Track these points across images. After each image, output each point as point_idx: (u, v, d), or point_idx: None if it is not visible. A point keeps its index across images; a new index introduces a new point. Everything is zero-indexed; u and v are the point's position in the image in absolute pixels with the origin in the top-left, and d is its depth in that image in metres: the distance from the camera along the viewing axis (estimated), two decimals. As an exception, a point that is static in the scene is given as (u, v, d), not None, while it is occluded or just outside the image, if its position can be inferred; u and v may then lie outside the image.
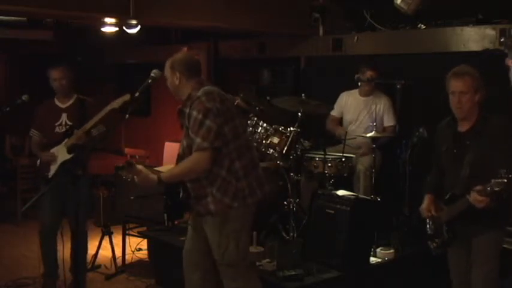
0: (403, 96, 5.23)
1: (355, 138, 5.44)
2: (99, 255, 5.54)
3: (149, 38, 7.80)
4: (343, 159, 5.16)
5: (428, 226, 3.67)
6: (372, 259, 4.62)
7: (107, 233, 5.45)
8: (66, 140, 4.61)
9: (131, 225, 5.71)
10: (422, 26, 5.61)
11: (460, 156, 3.46)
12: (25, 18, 7.06)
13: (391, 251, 4.70)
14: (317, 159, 5.18)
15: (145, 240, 5.63)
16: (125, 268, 5.49)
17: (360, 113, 5.58)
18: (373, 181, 5.07)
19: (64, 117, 4.75)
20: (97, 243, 5.53)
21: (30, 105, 4.74)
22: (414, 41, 5.64)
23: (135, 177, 3.41)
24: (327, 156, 5.10)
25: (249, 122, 4.99)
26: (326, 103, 5.48)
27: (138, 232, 5.61)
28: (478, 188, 3.20)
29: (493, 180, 3.09)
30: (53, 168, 4.64)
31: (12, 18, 6.89)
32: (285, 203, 4.96)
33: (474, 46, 5.16)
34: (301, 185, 5.35)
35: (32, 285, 4.99)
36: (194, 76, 3.52)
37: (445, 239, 3.56)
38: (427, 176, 5.13)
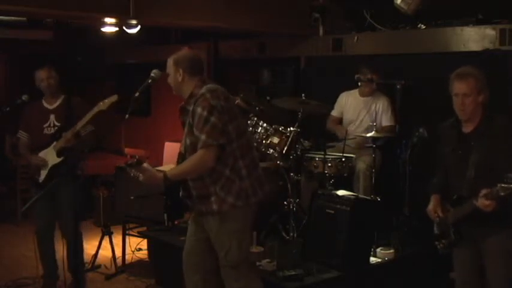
0: (403, 96, 5.22)
1: (355, 138, 5.44)
2: (99, 255, 5.54)
3: (149, 38, 7.80)
4: (343, 159, 5.16)
5: (435, 227, 3.66)
6: (372, 259, 4.61)
7: (107, 233, 5.45)
8: (54, 143, 4.60)
9: (131, 225, 5.71)
10: (422, 26, 5.61)
11: (465, 157, 3.45)
12: (25, 18, 7.07)
13: (391, 251, 4.70)
14: (317, 159, 5.18)
15: (145, 240, 5.62)
16: (125, 268, 5.49)
17: (359, 113, 5.58)
18: (373, 181, 5.07)
19: (52, 118, 4.71)
20: (97, 243, 5.53)
21: (30, 105, 4.76)
22: (414, 41, 5.63)
23: (140, 175, 3.39)
24: (327, 156, 5.10)
25: (249, 122, 4.99)
26: (326, 103, 5.48)
27: (138, 232, 5.60)
28: (484, 192, 3.19)
29: (499, 185, 3.09)
30: (43, 173, 4.62)
31: (12, 18, 6.89)
32: (285, 203, 4.96)
33: (474, 46, 5.16)
34: (301, 185, 5.35)
35: (32, 285, 4.98)
36: (197, 74, 3.51)
37: (451, 239, 3.54)
38: (428, 176, 5.12)
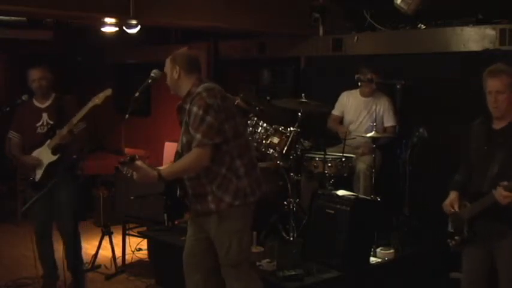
0: (403, 96, 5.23)
1: (355, 138, 5.44)
2: (99, 255, 5.54)
3: (149, 38, 7.80)
4: (343, 159, 5.16)
5: (449, 223, 3.64)
6: (372, 259, 4.61)
7: (107, 233, 5.44)
8: (48, 141, 4.58)
9: (131, 225, 5.71)
10: (422, 26, 5.61)
11: (491, 154, 3.42)
12: (25, 18, 7.07)
13: (391, 251, 4.70)
14: (317, 159, 5.18)
15: (145, 240, 5.62)
16: (125, 268, 5.48)
17: (360, 113, 5.58)
18: (373, 181, 5.07)
19: (45, 116, 4.68)
20: (97, 243, 5.53)
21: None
22: (414, 41, 5.63)
23: (134, 173, 3.36)
24: (327, 156, 5.10)
25: (249, 122, 4.99)
26: (326, 103, 5.47)
27: (138, 232, 5.60)
28: (505, 183, 3.17)
29: None
30: (39, 172, 4.60)
31: (12, 18, 6.89)
32: (285, 203, 4.96)
33: (474, 46, 5.16)
34: (301, 185, 5.35)
35: (32, 285, 4.98)
36: (194, 72, 3.50)
37: (465, 237, 3.50)
38: (428, 176, 5.15)
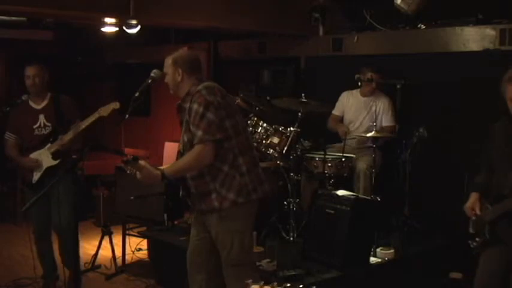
0: (403, 96, 5.23)
1: (355, 138, 5.44)
2: (99, 255, 5.53)
3: (149, 38, 7.80)
4: (343, 159, 5.16)
5: (470, 225, 3.62)
6: (372, 259, 4.61)
7: (107, 233, 5.44)
8: (49, 145, 4.56)
9: (131, 225, 5.71)
10: (422, 26, 5.61)
11: (511, 155, 3.41)
12: (25, 18, 7.06)
13: (391, 251, 4.69)
14: (317, 159, 5.18)
15: (145, 240, 5.62)
16: (125, 268, 5.48)
17: (360, 113, 5.58)
18: (373, 181, 5.07)
19: (41, 118, 4.61)
20: (97, 243, 5.52)
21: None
22: (414, 41, 5.63)
23: (137, 173, 3.36)
24: (327, 156, 5.10)
25: (249, 122, 4.99)
26: (326, 103, 5.48)
27: (138, 232, 5.60)
28: None
29: None
30: (37, 174, 4.58)
31: (12, 18, 6.89)
32: (285, 203, 4.96)
33: (474, 46, 5.16)
34: (301, 185, 5.35)
35: (32, 285, 4.98)
36: (196, 72, 3.52)
37: (486, 239, 3.48)
38: (428, 176, 5.14)
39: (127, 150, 7.40)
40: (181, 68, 3.49)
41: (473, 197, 3.58)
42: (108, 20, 5.62)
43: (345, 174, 5.20)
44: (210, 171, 3.39)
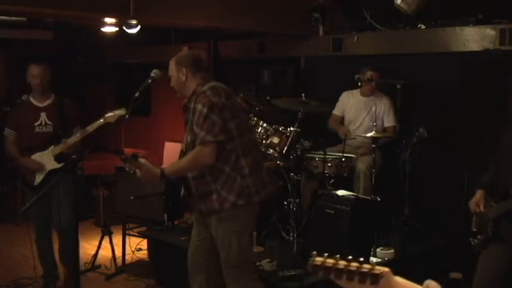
0: (403, 96, 5.23)
1: (355, 138, 5.44)
2: (99, 255, 5.53)
3: (149, 38, 7.80)
4: (343, 159, 5.16)
5: (473, 222, 3.62)
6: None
7: (107, 233, 5.44)
8: (52, 147, 4.54)
9: (131, 225, 5.71)
10: (422, 26, 5.61)
11: None
12: (25, 18, 7.06)
13: (391, 251, 4.69)
14: (317, 159, 5.18)
15: (145, 240, 5.62)
16: (125, 268, 5.48)
17: (360, 113, 5.58)
18: (373, 181, 5.07)
19: (43, 116, 4.61)
20: (97, 243, 5.53)
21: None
22: (414, 41, 5.63)
23: (137, 170, 3.36)
24: (327, 156, 5.10)
25: (249, 122, 4.99)
26: (326, 103, 5.48)
27: (138, 232, 5.61)
28: None
29: None
30: (39, 176, 4.56)
31: (12, 18, 6.89)
32: (285, 203, 4.96)
33: (474, 46, 5.16)
34: (301, 185, 5.35)
35: (32, 285, 4.98)
36: (200, 71, 3.52)
37: (488, 236, 3.48)
38: (428, 176, 5.13)
39: (127, 150, 7.37)
40: (184, 67, 3.49)
41: (479, 193, 3.59)
42: (108, 20, 5.62)
43: (345, 174, 5.20)
44: (212, 172, 3.39)
